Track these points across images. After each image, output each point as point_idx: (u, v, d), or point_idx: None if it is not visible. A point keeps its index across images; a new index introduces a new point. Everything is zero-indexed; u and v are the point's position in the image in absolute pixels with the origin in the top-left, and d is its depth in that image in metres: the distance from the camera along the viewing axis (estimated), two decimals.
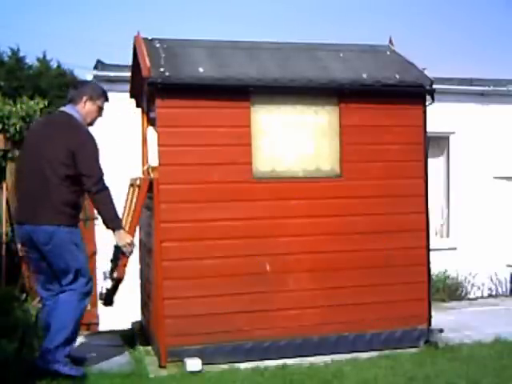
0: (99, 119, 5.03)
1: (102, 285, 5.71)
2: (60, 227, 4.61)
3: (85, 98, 4.80)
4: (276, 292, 5.31)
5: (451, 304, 8.16)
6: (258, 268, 5.26)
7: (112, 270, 5.35)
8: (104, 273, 5.67)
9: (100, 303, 5.78)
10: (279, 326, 5.31)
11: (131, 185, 6.00)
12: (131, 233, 5.10)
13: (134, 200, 5.38)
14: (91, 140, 4.70)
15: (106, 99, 4.95)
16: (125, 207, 6.00)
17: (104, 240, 6.45)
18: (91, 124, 4.91)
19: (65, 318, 4.66)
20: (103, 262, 6.56)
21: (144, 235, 5.79)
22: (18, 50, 23.80)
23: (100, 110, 4.91)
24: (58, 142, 4.62)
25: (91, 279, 4.90)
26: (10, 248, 6.78)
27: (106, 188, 4.66)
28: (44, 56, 24.38)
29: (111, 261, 5.83)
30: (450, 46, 45.99)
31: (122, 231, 4.81)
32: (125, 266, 5.17)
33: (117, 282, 5.37)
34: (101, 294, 5.77)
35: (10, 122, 6.70)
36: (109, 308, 5.82)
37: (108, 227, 4.76)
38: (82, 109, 4.79)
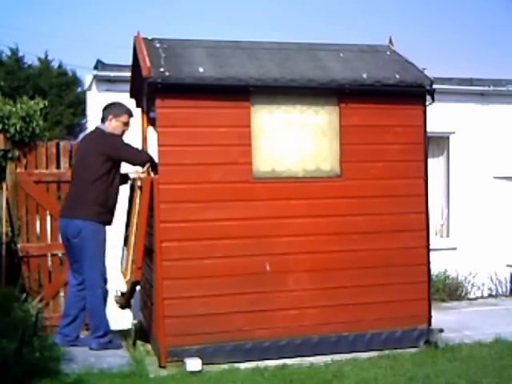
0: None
1: (117, 288, 5.77)
2: (87, 221, 5.40)
3: (109, 117, 5.63)
4: (276, 292, 5.31)
5: (451, 304, 8.16)
6: (257, 268, 5.27)
7: (124, 271, 5.42)
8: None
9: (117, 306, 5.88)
10: (279, 326, 5.31)
11: (132, 186, 6.00)
12: (142, 237, 5.20)
13: (138, 201, 5.38)
14: (116, 138, 5.59)
15: (130, 116, 5.71)
16: (129, 208, 6.00)
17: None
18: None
19: (101, 307, 5.47)
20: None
21: None
22: (18, 49, 23.75)
23: (125, 124, 5.67)
24: (91, 149, 5.53)
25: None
26: (10, 248, 6.76)
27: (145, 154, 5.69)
28: (46, 56, 24.33)
29: (121, 262, 5.86)
30: (450, 45, 45.86)
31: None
32: (140, 268, 5.20)
33: (133, 285, 5.41)
34: (115, 297, 5.82)
35: (9, 122, 6.68)
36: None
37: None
38: (108, 125, 5.62)
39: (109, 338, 5.57)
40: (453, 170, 9.26)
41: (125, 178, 5.81)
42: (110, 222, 5.59)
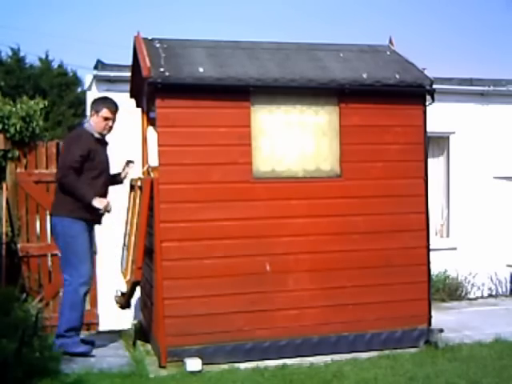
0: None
1: (117, 288, 5.76)
2: (59, 218, 5.39)
3: (92, 113, 5.57)
4: (276, 292, 5.31)
5: (451, 304, 8.16)
6: (257, 268, 5.27)
7: (124, 271, 5.42)
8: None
9: (117, 306, 5.86)
10: (279, 326, 5.31)
11: (132, 186, 6.01)
12: (142, 237, 5.18)
13: (138, 202, 5.38)
14: (72, 143, 5.44)
15: (110, 110, 5.49)
16: (128, 209, 6.00)
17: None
18: (102, 133, 5.52)
19: (64, 308, 5.35)
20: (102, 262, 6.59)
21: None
22: (19, 49, 23.77)
23: (105, 119, 5.48)
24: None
25: (89, 271, 5.41)
26: (10, 248, 6.76)
27: (67, 176, 5.27)
28: (46, 56, 24.35)
29: (121, 262, 5.85)
30: (450, 45, 45.83)
31: (94, 201, 5.29)
32: (140, 268, 5.20)
33: (133, 285, 5.42)
34: (116, 297, 5.82)
35: (9, 122, 6.69)
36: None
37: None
38: (92, 122, 5.54)
39: (61, 342, 5.29)
40: (453, 170, 9.26)
41: (116, 178, 5.70)
42: (90, 219, 5.37)
